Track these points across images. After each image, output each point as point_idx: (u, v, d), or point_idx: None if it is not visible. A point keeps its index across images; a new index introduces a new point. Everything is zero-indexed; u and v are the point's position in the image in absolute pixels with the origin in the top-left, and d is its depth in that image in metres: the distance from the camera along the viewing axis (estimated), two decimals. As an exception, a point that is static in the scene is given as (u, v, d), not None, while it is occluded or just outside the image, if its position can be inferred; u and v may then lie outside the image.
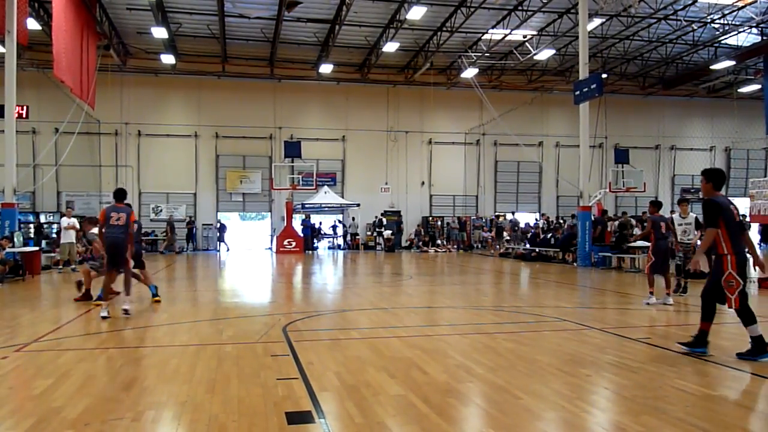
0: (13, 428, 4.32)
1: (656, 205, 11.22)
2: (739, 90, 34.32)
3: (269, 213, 32.94)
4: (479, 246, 32.36)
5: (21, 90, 18.56)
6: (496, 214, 33.27)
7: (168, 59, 28.49)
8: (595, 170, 30.20)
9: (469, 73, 29.56)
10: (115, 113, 30.31)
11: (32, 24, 21.62)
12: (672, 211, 20.83)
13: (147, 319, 9.37)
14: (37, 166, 26.63)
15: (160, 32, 25.16)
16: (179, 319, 9.27)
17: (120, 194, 9.89)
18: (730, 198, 6.87)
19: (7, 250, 15.17)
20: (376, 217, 32.06)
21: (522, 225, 30.56)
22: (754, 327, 6.25)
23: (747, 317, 6.29)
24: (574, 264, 20.69)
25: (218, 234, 31.15)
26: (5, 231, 16.83)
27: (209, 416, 4.58)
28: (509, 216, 33.91)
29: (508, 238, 29.79)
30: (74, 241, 18.31)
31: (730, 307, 6.33)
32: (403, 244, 32.40)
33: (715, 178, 6.62)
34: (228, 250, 30.88)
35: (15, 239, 16.12)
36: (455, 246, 31.95)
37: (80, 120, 25.02)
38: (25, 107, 23.09)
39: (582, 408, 4.83)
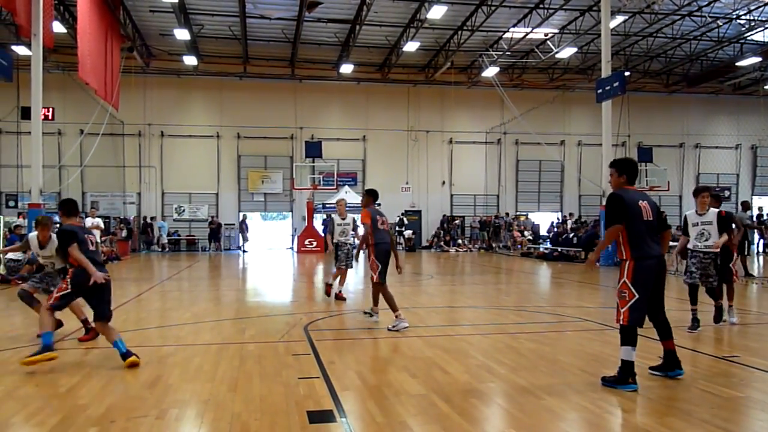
0: (39, 425, 4.39)
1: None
2: (765, 87, 33.68)
3: (290, 213, 33.09)
4: (501, 246, 32.14)
5: (47, 92, 18.85)
6: (495, 214, 33.06)
7: (190, 60, 28.76)
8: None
9: (490, 72, 29.41)
10: (139, 114, 30.67)
11: (57, 27, 21.96)
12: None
13: (170, 319, 9.46)
14: (62, 167, 27.03)
15: (182, 34, 25.41)
16: (202, 318, 9.36)
17: (375, 195, 8.72)
18: (640, 195, 5.67)
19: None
20: (398, 216, 32.07)
21: (525, 224, 30.68)
22: (629, 350, 5.33)
23: (629, 336, 5.36)
24: (597, 264, 20.45)
25: (241, 232, 31.15)
26: (31, 231, 17.07)
27: (232, 414, 4.62)
28: (531, 215, 33.95)
29: (502, 237, 29.94)
30: (98, 240, 18.60)
31: (618, 322, 5.42)
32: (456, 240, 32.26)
33: (628, 170, 5.60)
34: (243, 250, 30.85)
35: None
36: (477, 246, 31.83)
37: (104, 121, 25.37)
38: (50, 109, 23.46)
39: (605, 409, 4.78)
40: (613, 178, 5.68)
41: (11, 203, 29.40)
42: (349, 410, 4.74)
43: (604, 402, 4.95)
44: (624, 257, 5.41)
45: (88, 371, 5.90)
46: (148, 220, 30.44)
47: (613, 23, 22.82)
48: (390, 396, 5.09)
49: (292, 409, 4.75)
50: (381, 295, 8.38)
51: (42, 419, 4.52)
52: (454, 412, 4.67)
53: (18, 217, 24.64)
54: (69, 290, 6.25)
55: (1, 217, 27.62)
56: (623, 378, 5.31)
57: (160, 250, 29.73)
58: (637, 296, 5.29)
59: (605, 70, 20.54)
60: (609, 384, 5.37)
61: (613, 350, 6.76)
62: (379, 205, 9.39)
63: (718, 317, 8.27)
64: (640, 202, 5.46)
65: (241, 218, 31.31)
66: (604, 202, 20.90)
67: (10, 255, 15.11)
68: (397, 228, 32.11)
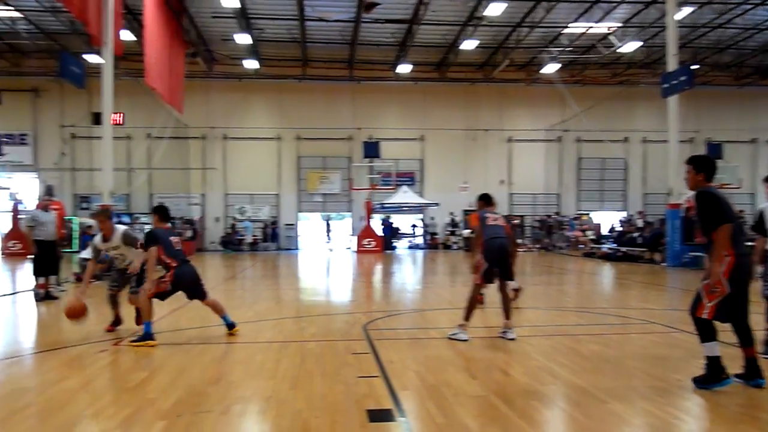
0: (112, 417, 4.57)
1: None
2: None
3: (349, 213, 33.37)
4: (562, 246, 31.54)
5: (116, 98, 19.60)
6: (547, 214, 32.30)
7: (251, 64, 29.38)
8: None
9: (550, 68, 28.93)
10: (202, 118, 31.54)
11: (126, 35, 22.79)
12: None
13: (233, 317, 9.68)
14: (131, 170, 28.08)
15: (243, 38, 26.00)
16: (264, 316, 9.55)
17: (487, 199, 8.09)
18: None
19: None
20: (451, 214, 31.99)
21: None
22: (713, 345, 5.12)
23: (709, 332, 5.14)
24: (663, 264, 19.86)
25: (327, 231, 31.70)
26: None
27: (293, 412, 4.68)
28: (593, 215, 33.34)
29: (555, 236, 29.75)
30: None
31: (699, 315, 5.12)
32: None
33: (706, 167, 5.33)
34: (331, 249, 31.29)
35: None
36: (538, 246, 31.32)
37: (170, 125, 26.22)
38: (120, 114, 24.47)
39: (673, 414, 4.62)
40: (690, 176, 5.40)
41: (84, 205, 30.73)
42: (408, 410, 4.74)
43: (672, 407, 4.78)
44: (723, 252, 5.11)
45: (157, 367, 6.10)
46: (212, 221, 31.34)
47: (680, 15, 22.03)
48: (449, 396, 5.07)
49: (351, 407, 4.78)
50: (472, 297, 7.57)
51: (114, 412, 4.71)
52: (515, 414, 4.61)
53: (91, 218, 25.74)
54: (170, 289, 7.39)
55: (75, 218, 28.99)
56: (714, 375, 5.11)
57: (244, 250, 30.51)
58: (728, 292, 5.05)
59: (671, 64, 19.91)
60: (702, 386, 5.15)
61: (681, 353, 6.56)
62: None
63: None
64: (728, 199, 5.27)
65: (270, 219, 32.18)
66: (670, 200, 20.30)
67: (83, 254, 15.76)
68: (449, 228, 32.07)
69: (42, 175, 30.74)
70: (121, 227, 8.23)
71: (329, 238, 31.46)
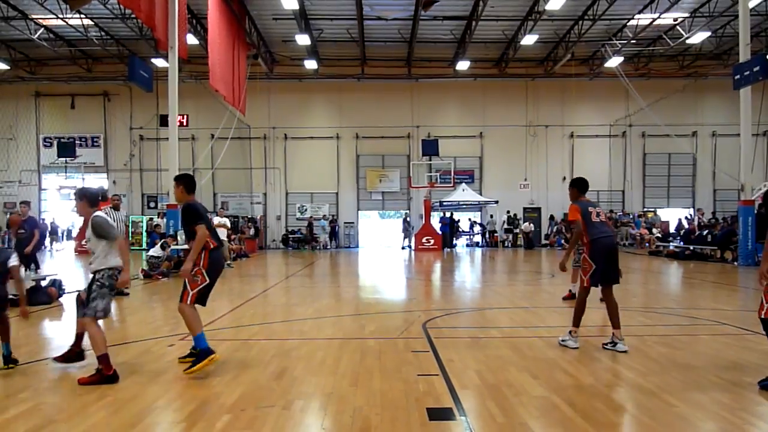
0: (179, 410, 4.73)
1: None
2: None
3: (408, 211, 33.39)
4: (626, 244, 30.67)
5: (181, 100, 20.18)
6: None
7: (311, 65, 29.76)
8: (759, 161, 27.77)
9: (614, 62, 28.16)
10: (264, 118, 32.18)
11: (191, 39, 23.48)
12: None
13: (295, 314, 9.84)
14: (196, 170, 28.90)
15: (303, 39, 26.35)
16: (324, 313, 9.66)
17: (582, 185, 7.24)
18: None
19: (173, 247, 16.59)
20: (508, 212, 31.57)
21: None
22: None
23: None
24: (735, 263, 19.07)
25: (406, 229, 31.75)
26: (170, 230, 18.46)
27: (353, 408, 4.73)
28: (659, 212, 32.34)
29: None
30: (225, 238, 19.68)
31: (760, 315, 5.16)
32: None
33: None
34: (409, 247, 31.21)
35: (179, 237, 17.59)
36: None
37: (233, 126, 26.84)
38: (185, 116, 25.21)
39: (746, 420, 4.43)
40: None
41: (152, 204, 31.84)
42: (468, 409, 4.72)
43: (745, 412, 4.59)
44: None
45: (221, 362, 6.24)
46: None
47: (753, 3, 21.04)
48: (510, 396, 5.01)
49: (411, 405, 4.79)
50: (580, 302, 6.96)
51: (181, 405, 4.87)
52: (579, 416, 4.52)
53: (157, 217, 26.66)
54: (208, 282, 5.90)
55: (144, 217, 30.05)
56: None
57: (320, 248, 31.05)
58: None
59: (743, 54, 19.07)
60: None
61: (756, 356, 6.30)
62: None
63: None
64: None
65: (330, 218, 32.40)
66: (742, 197, 19.48)
67: (151, 252, 16.32)
68: (505, 227, 31.62)
69: (112, 176, 32.07)
70: (99, 213, 5.88)
71: (409, 235, 31.31)
